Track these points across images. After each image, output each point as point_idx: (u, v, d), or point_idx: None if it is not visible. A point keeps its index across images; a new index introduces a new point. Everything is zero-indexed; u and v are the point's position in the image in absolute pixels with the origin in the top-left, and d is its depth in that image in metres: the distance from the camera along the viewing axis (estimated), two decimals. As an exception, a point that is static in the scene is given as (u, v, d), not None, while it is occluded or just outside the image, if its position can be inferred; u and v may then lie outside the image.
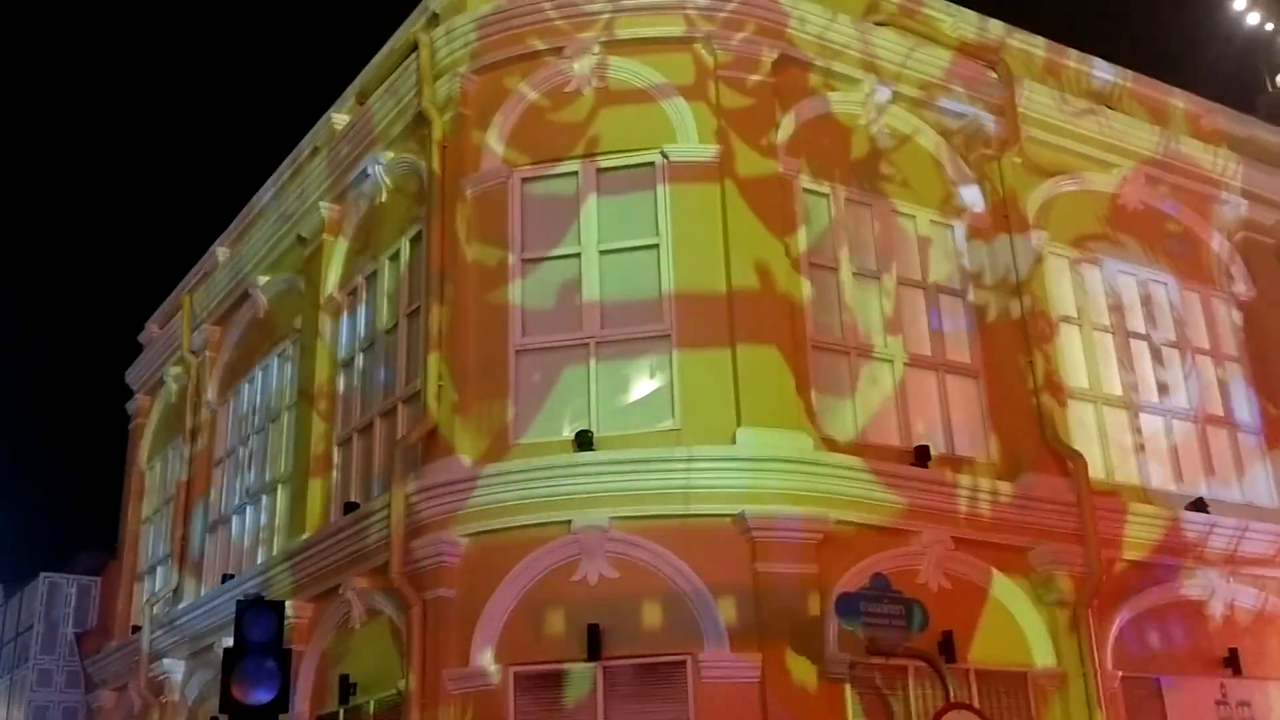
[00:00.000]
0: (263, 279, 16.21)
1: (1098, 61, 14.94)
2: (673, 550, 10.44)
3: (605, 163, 11.94)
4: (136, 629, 17.49)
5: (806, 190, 12.19)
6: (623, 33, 12.20)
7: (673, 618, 10.33)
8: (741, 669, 10.10)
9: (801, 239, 11.91)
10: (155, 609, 16.87)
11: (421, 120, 12.75)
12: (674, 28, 12.18)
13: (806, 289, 11.72)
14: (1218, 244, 15.01)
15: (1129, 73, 15.19)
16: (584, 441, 10.78)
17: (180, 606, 16.17)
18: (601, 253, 11.67)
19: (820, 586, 10.44)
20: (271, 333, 15.85)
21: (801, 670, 10.16)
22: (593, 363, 11.28)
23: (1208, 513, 13.00)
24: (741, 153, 11.75)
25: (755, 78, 12.09)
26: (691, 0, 12.14)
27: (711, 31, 12.08)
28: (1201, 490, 13.35)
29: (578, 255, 11.71)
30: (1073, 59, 14.76)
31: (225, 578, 15.21)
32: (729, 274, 11.28)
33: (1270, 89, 20.75)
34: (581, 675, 10.32)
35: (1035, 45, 14.42)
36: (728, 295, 11.21)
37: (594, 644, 10.25)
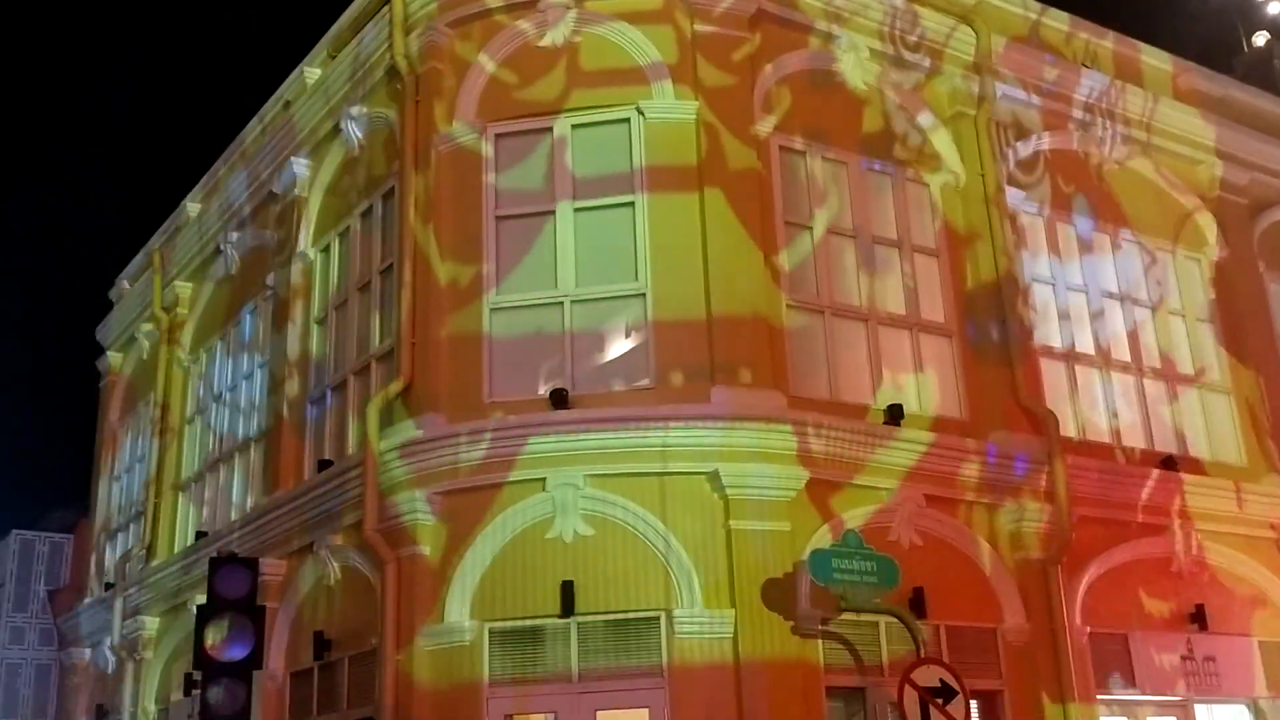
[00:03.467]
0: (234, 235, 16.07)
1: (1075, 19, 14.88)
2: (647, 508, 10.47)
3: (580, 119, 11.84)
4: (109, 586, 17.45)
5: (783, 148, 12.13)
6: (598, -13, 12.06)
7: (647, 574, 10.38)
8: (714, 625, 10.17)
9: (777, 196, 11.87)
10: (128, 566, 16.82)
11: (394, 75, 12.61)
12: (651, -18, 12.05)
13: (782, 247, 11.69)
14: (1192, 204, 15.06)
15: (1107, 31, 15.14)
16: (559, 400, 10.76)
17: (153, 564, 16.13)
18: (576, 210, 11.60)
19: (793, 543, 10.50)
20: (244, 289, 15.73)
21: (774, 626, 10.24)
22: (568, 321, 11.25)
23: (1177, 471, 13.14)
24: (717, 109, 11.67)
25: (732, 33, 11.99)
26: (668, -46, 12.01)
27: (688, -14, 11.96)
28: (1171, 448, 13.47)
29: (552, 213, 11.64)
30: (1050, 17, 14.69)
31: (198, 535, 15.18)
32: (704, 232, 11.24)
33: (1246, 49, 20.75)
34: (556, 631, 10.37)
35: (1012, 3, 14.35)
36: (703, 254, 11.18)
37: (568, 600, 10.29)
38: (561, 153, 11.78)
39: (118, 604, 16.69)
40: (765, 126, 11.94)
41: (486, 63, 12.12)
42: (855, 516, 10.88)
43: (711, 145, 11.54)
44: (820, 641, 10.47)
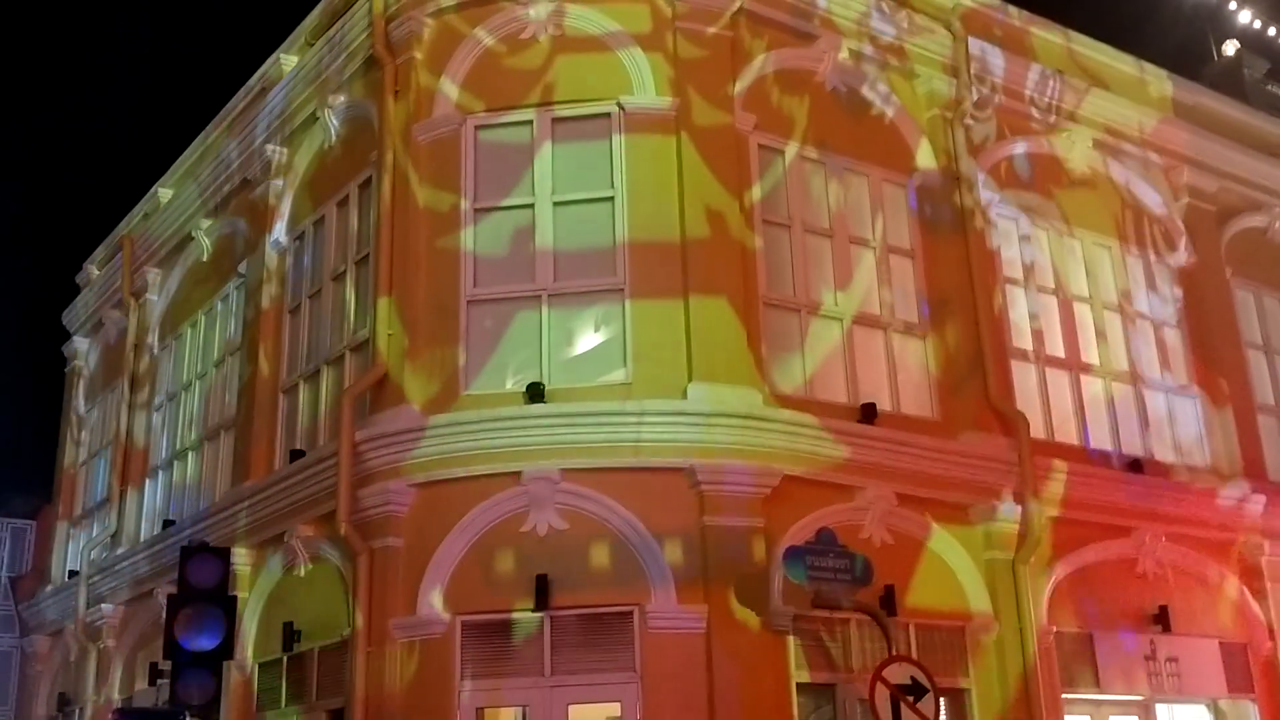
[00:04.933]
0: (206, 222, 15.94)
1: (1049, 25, 15.02)
2: (622, 502, 10.49)
3: (561, 112, 11.84)
4: (73, 574, 17.29)
5: (762, 146, 12.17)
6: (580, -19, 12.05)
7: (620, 568, 10.41)
8: (687, 620, 10.21)
9: (756, 194, 11.92)
10: (93, 554, 16.67)
11: (373, 64, 12.55)
12: (633, -23, 12.06)
13: (759, 245, 11.74)
14: (1161, 210, 15.24)
15: (1080, 37, 15.29)
16: (535, 393, 10.76)
17: (119, 551, 16.00)
18: (555, 203, 11.60)
19: (767, 539, 10.57)
20: (215, 277, 15.61)
21: (747, 621, 10.30)
22: (545, 314, 11.24)
23: (1143, 474, 13.30)
24: (698, 106, 11.70)
25: (713, 30, 12.02)
26: (650, -50, 12.02)
27: (670, -18, 11.97)
28: (1138, 451, 13.64)
29: (531, 205, 11.63)
30: (1025, 22, 14.81)
31: (166, 523, 15.06)
32: (683, 228, 11.27)
33: (1216, 58, 20.99)
34: (529, 624, 10.38)
35: (989, 7, 14.45)
36: (681, 249, 11.21)
37: (542, 593, 10.30)
38: (541, 145, 11.76)
39: (81, 591, 16.53)
40: (745, 124, 11.98)
41: (467, 54, 12.08)
42: (829, 514, 10.94)
43: (691, 141, 11.56)
44: (792, 637, 10.53)
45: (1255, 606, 13.68)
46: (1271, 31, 21.71)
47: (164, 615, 10.64)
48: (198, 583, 10.22)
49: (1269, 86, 20.27)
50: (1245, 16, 21.46)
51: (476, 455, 10.69)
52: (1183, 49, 20.97)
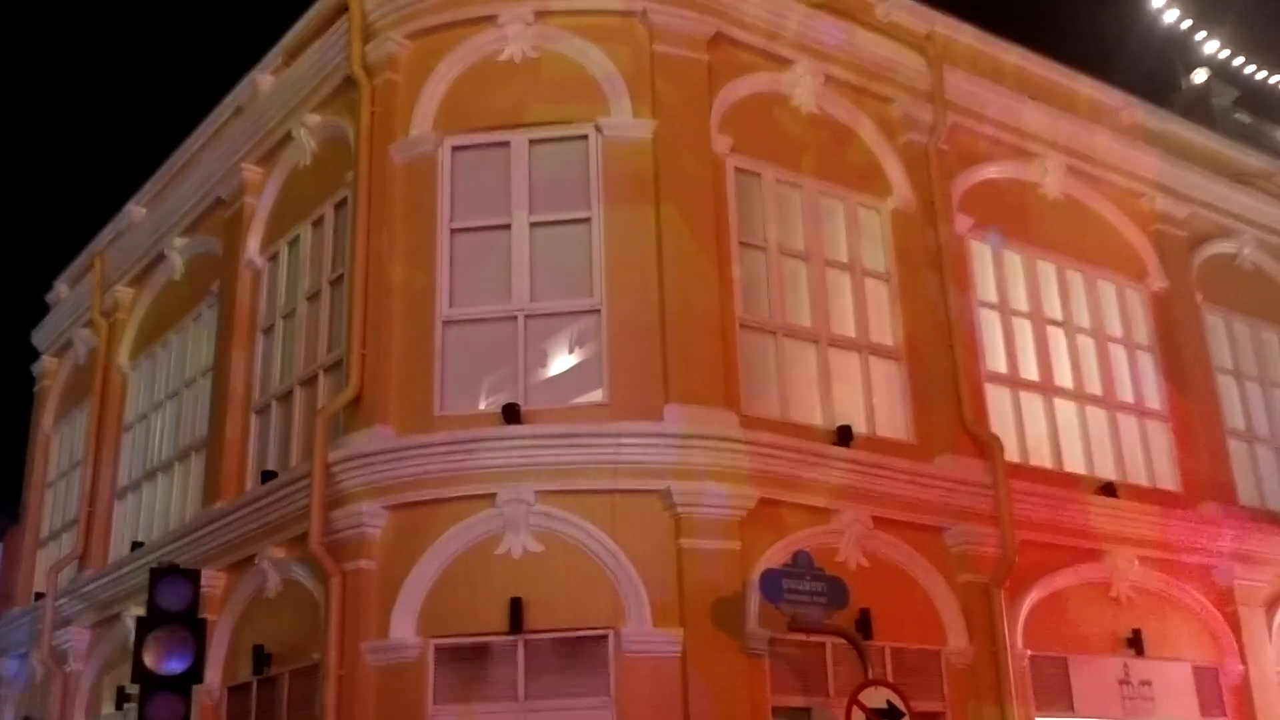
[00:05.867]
0: (179, 240, 15.82)
1: (1023, 52, 15.15)
2: (597, 525, 10.44)
3: (538, 134, 11.82)
4: (40, 596, 17.04)
5: (738, 169, 12.20)
6: (558, 3, 12.07)
7: (596, 592, 10.34)
8: (663, 644, 10.15)
9: (732, 217, 11.93)
10: (60, 576, 16.44)
11: (350, 84, 12.51)
12: (610, 0, 12.08)
13: (736, 268, 11.75)
14: (1133, 235, 15.37)
15: (1053, 64, 15.44)
16: (511, 414, 10.71)
17: (86, 573, 15.78)
18: (532, 225, 11.57)
19: (743, 563, 10.53)
20: (188, 296, 15.48)
21: (723, 645, 10.26)
22: (521, 335, 11.20)
23: (1117, 497, 13.36)
24: (674, 129, 11.73)
25: (690, 53, 12.06)
26: (628, -27, 12.06)
27: (648, 6, 12.00)
28: (1111, 475, 13.70)
29: (508, 227, 11.59)
30: (999, 49, 14.94)
31: (134, 545, 14.88)
32: (660, 250, 11.27)
33: (1185, 85, 21.24)
34: (503, 648, 10.29)
35: (962, 33, 14.57)
36: (658, 271, 11.20)
37: (516, 617, 10.22)
38: (518, 167, 11.74)
39: (47, 614, 16.29)
40: (721, 147, 12.01)
41: (445, 75, 12.06)
42: (805, 537, 10.92)
43: (668, 164, 11.58)
44: (768, 661, 10.49)
45: (1227, 630, 13.73)
46: (1239, 60, 22.00)
47: (132, 638, 10.48)
48: (167, 605, 10.06)
49: (1237, 114, 20.51)
50: (1213, 45, 21.74)
51: (451, 477, 10.62)
52: (1153, 77, 21.20)
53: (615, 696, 10.06)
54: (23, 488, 19.43)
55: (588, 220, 11.52)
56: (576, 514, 10.47)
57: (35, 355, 19.96)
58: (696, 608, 10.27)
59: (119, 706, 13.87)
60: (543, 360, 11.30)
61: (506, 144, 11.83)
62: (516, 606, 10.24)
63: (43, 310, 19.97)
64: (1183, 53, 21.93)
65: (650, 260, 11.26)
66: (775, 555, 10.66)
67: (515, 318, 11.27)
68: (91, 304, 17.60)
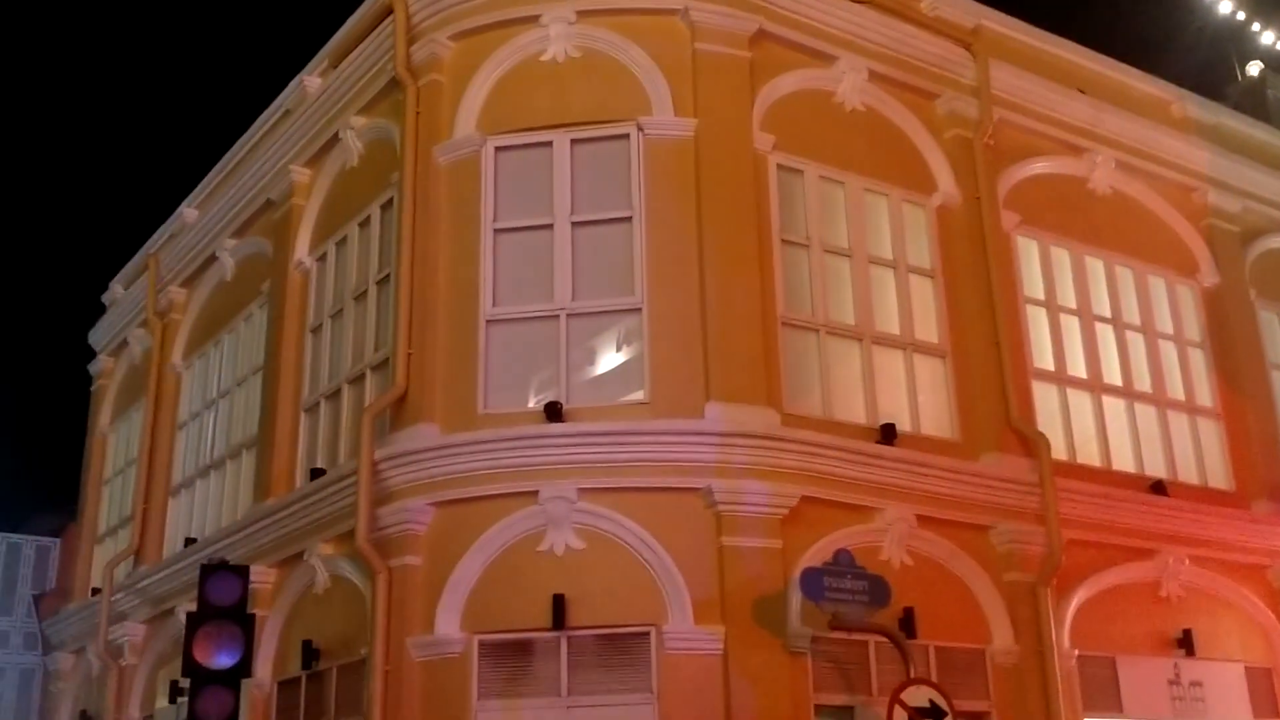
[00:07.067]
0: (231, 242, 16.06)
1: (1071, 45, 15.00)
2: (639, 522, 10.48)
3: (580, 134, 11.87)
4: (96, 591, 17.37)
5: (780, 166, 12.18)
6: (600, 3, 12.11)
7: (637, 589, 10.38)
8: (705, 641, 10.17)
9: (774, 215, 11.92)
10: (115, 571, 16.76)
11: (395, 85, 12.64)
12: (652, -1, 12.12)
13: (778, 265, 11.74)
14: (1184, 230, 15.15)
15: (1102, 58, 15.27)
16: (553, 412, 10.77)
17: (141, 569, 16.07)
18: (574, 224, 11.63)
19: (784, 561, 10.52)
20: (239, 296, 15.72)
21: (764, 643, 10.25)
22: (563, 334, 11.26)
23: (1167, 496, 13.19)
24: (717, 127, 11.73)
25: (732, 51, 12.06)
26: (670, -28, 12.08)
27: (689, 3, 12.01)
28: (1161, 473, 13.53)
29: (550, 226, 11.66)
30: (1047, 43, 14.81)
31: (187, 541, 15.14)
32: (701, 248, 11.28)
33: (1240, 78, 20.90)
34: (546, 645, 10.36)
35: (1010, 28, 14.45)
36: (699, 269, 11.22)
37: (559, 614, 10.28)
38: (561, 167, 11.80)
39: (104, 609, 16.61)
40: (764, 144, 12.00)
41: (488, 76, 12.15)
42: (847, 535, 10.89)
43: (710, 162, 11.59)
44: (810, 660, 10.48)
45: (1281, 630, 13.53)
46: (1296, 53, 21.60)
47: (184, 633, 10.66)
48: (217, 600, 10.22)
49: (1293, 107, 20.13)
50: (1269, 38, 21.37)
51: (494, 474, 10.71)
52: (1206, 70, 20.89)
53: (657, 693, 10.10)
54: (80, 485, 19.80)
55: (629, 219, 11.55)
56: (618, 511, 10.52)
57: (92, 355, 20.34)
58: (738, 605, 10.28)
59: (172, 700, 14.12)
60: (585, 359, 11.36)
61: (549, 144, 11.90)
62: (559, 603, 10.31)
63: (99, 311, 20.36)
64: (1237, 45, 21.58)
65: (692, 258, 11.28)
66: (817, 554, 10.63)
67: (558, 316, 11.33)
68: (146, 304, 17.91)
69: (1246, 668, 13.24)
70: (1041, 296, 13.68)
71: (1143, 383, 14.06)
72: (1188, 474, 13.88)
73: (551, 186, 11.77)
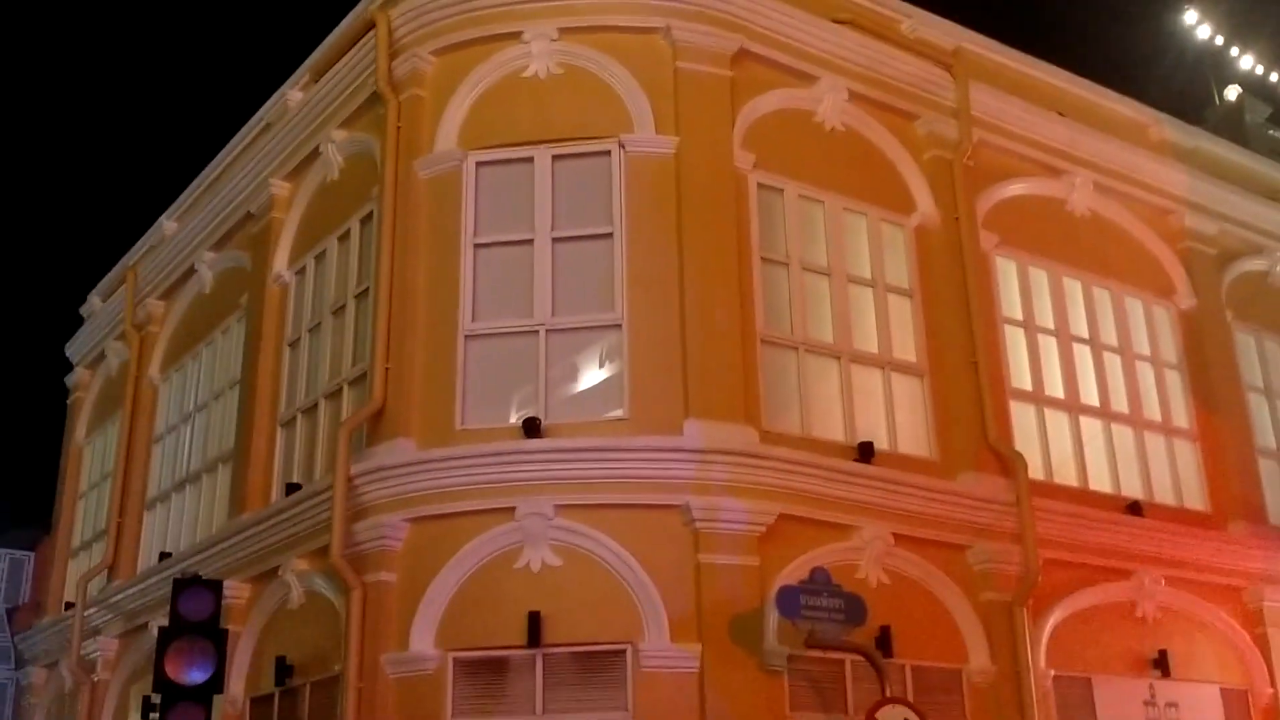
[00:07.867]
0: (210, 255, 16.01)
1: (1051, 68, 15.11)
2: (616, 539, 10.45)
3: (561, 150, 11.89)
4: (70, 606, 17.22)
5: (761, 185, 12.21)
6: (582, 20, 12.15)
7: (614, 606, 10.35)
8: (681, 659, 10.14)
9: (754, 233, 11.94)
10: (89, 586, 16.62)
11: (376, 100, 12.64)
12: (634, 17, 12.16)
13: (758, 283, 11.76)
14: (1162, 252, 15.24)
15: (1082, 81, 15.38)
16: (531, 428, 10.75)
17: (115, 584, 15.95)
18: (555, 240, 11.63)
19: (762, 579, 10.51)
20: (217, 309, 15.66)
21: (740, 662, 10.23)
22: (543, 349, 11.25)
23: (1143, 516, 13.23)
24: (697, 145, 11.76)
25: (714, 70, 12.10)
26: (652, -10, 12.12)
27: (671, 22, 12.06)
28: (1138, 494, 13.57)
29: (531, 241, 11.66)
30: (1027, 65, 14.90)
31: (162, 556, 15.03)
32: (681, 265, 11.30)
33: (1218, 101, 21.10)
34: (521, 662, 10.31)
35: (990, 50, 14.54)
36: (680, 286, 11.23)
37: (534, 631, 10.24)
38: (541, 183, 11.81)
39: (77, 623, 16.46)
40: (744, 163, 12.03)
41: (469, 91, 12.16)
42: (824, 553, 10.88)
43: (691, 180, 11.62)
44: (786, 678, 10.45)
45: (1256, 652, 13.56)
46: (1273, 77, 21.84)
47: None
48: (189, 615, 10.16)
49: (1270, 131, 20.35)
50: (1247, 62, 21.59)
51: (471, 490, 10.67)
52: (1185, 93, 21.10)
53: (633, 711, 10.06)
54: (55, 499, 19.66)
55: (610, 235, 11.56)
56: (595, 528, 10.49)
57: (69, 367, 20.22)
58: (715, 623, 10.25)
59: (145, 716, 13.85)
60: (564, 375, 11.34)
61: (530, 160, 11.91)
62: (535, 620, 10.27)
63: (76, 323, 20.25)
64: (1216, 69, 21.80)
65: (672, 276, 11.29)
66: (795, 571, 10.61)
67: (537, 332, 11.32)
68: (124, 317, 17.82)
69: (1222, 689, 13.25)
70: (1019, 317, 13.75)
71: (1120, 404, 14.12)
72: (1164, 495, 13.94)
73: (532, 202, 11.77)
